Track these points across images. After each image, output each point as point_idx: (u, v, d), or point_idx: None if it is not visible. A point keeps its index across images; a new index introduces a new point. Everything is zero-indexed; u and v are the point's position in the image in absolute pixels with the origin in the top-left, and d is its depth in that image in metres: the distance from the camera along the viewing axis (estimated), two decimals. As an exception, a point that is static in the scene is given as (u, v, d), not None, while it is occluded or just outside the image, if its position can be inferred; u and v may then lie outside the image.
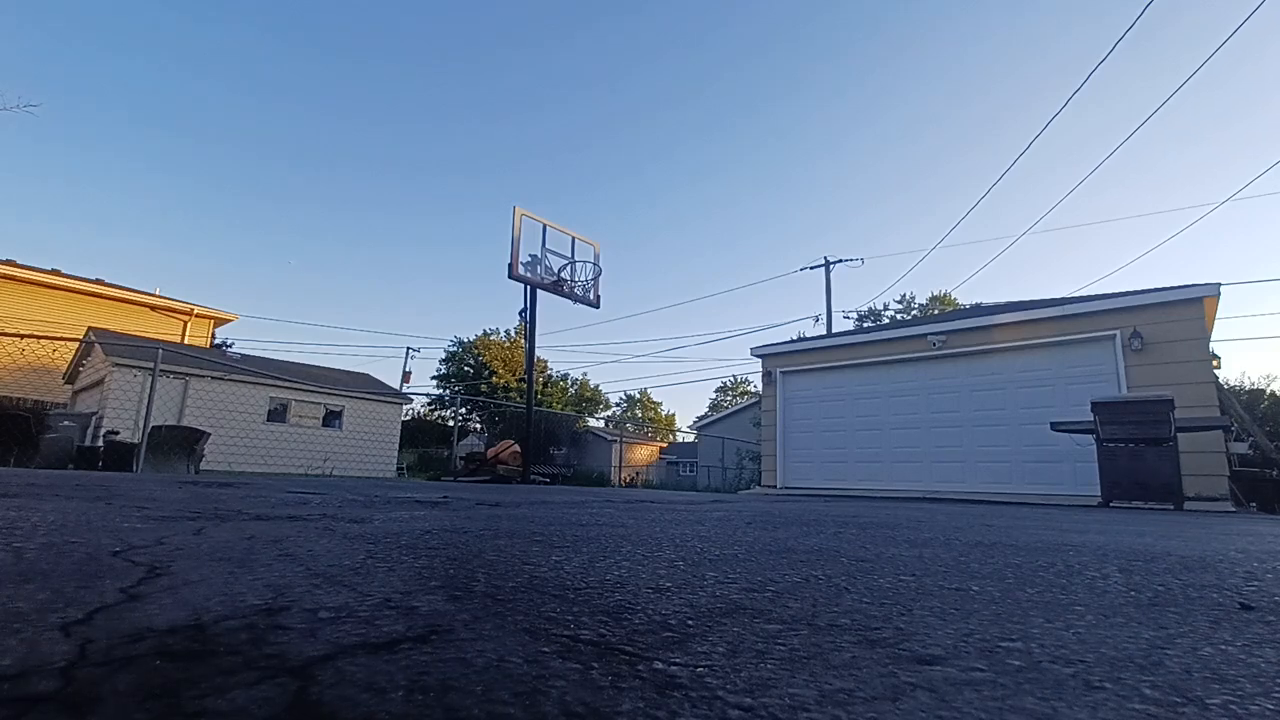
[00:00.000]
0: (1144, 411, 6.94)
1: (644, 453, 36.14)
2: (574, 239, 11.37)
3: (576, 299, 11.26)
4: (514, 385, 37.17)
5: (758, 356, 12.55)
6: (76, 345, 16.73)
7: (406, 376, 34.16)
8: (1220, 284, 8.23)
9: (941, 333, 10.34)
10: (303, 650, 0.42)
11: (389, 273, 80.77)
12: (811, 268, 24.27)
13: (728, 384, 58.93)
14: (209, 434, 10.32)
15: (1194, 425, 7.17)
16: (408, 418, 27.11)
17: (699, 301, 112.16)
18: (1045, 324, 9.34)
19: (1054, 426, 7.97)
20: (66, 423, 10.40)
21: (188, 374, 15.20)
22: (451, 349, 43.52)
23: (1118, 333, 8.60)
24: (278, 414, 17.26)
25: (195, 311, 21.75)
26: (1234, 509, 7.29)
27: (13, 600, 0.54)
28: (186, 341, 20.06)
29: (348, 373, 21.61)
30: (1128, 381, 8.39)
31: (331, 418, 18.32)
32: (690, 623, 0.55)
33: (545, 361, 41.42)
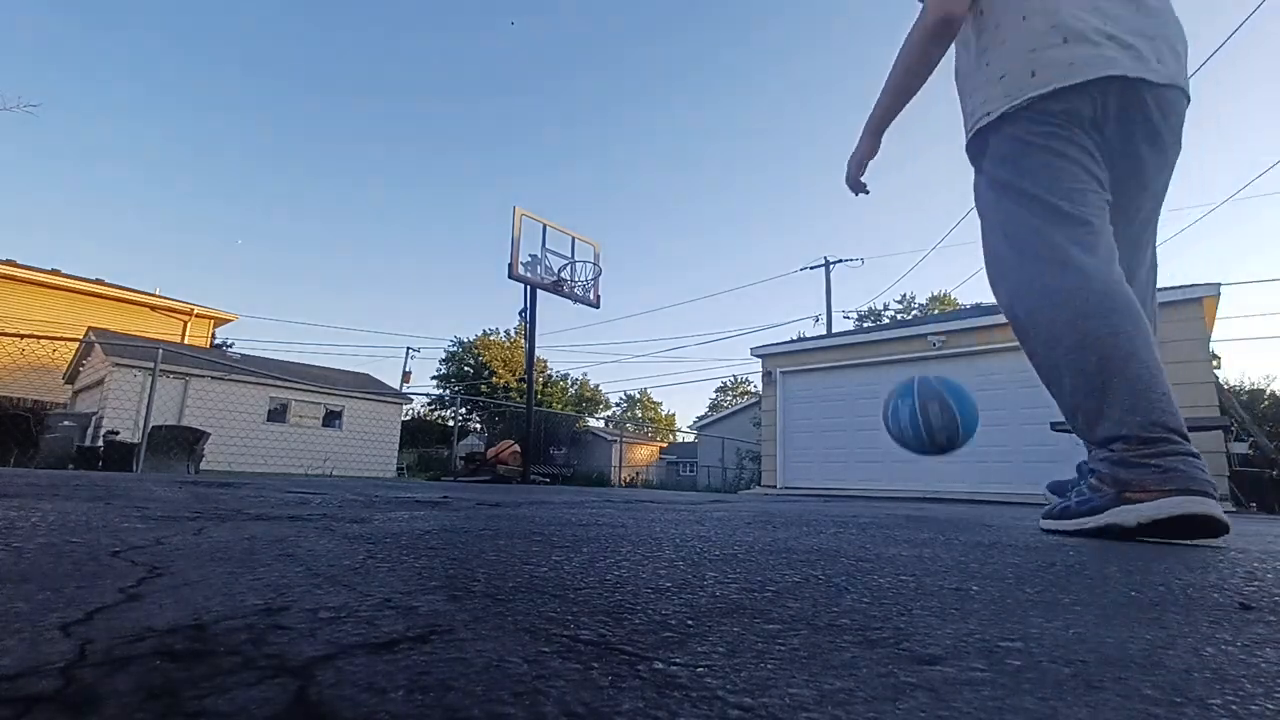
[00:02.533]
0: (1144, 411, 6.92)
1: (644, 453, 36.14)
2: (574, 239, 11.36)
3: (576, 299, 11.26)
4: (514, 385, 37.18)
5: (758, 356, 12.55)
6: (76, 345, 16.73)
7: (406, 376, 34.19)
8: (1220, 284, 8.23)
9: (941, 333, 10.34)
10: (303, 650, 0.42)
11: (389, 273, 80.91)
12: (811, 268, 24.32)
13: (728, 384, 58.99)
14: (209, 434, 10.32)
15: (1194, 425, 7.12)
16: (408, 418, 27.11)
17: (699, 301, 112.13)
18: (1045, 324, 9.33)
19: (1054, 427, 7.93)
20: (66, 423, 10.40)
21: (188, 374, 15.21)
22: (451, 349, 43.56)
23: (1118, 333, 8.60)
24: (278, 414, 17.27)
25: (195, 311, 21.76)
26: (1234, 509, 7.29)
27: (12, 600, 0.54)
28: (186, 341, 20.06)
29: (348, 373, 21.62)
30: (1128, 381, 8.38)
31: (331, 418, 18.33)
32: (690, 623, 0.55)
33: (545, 361, 41.42)
